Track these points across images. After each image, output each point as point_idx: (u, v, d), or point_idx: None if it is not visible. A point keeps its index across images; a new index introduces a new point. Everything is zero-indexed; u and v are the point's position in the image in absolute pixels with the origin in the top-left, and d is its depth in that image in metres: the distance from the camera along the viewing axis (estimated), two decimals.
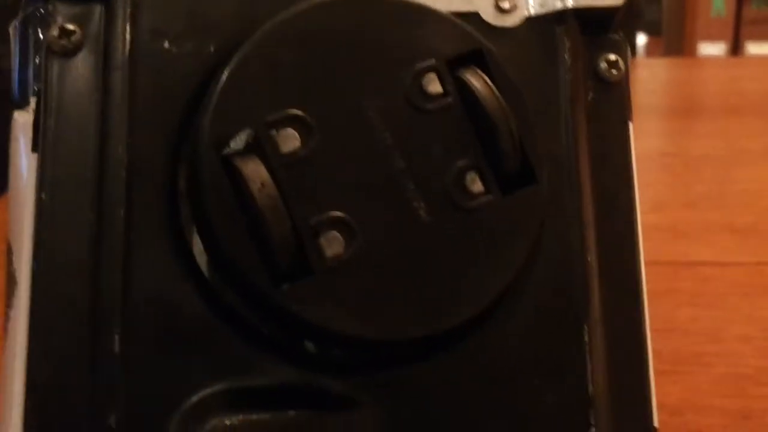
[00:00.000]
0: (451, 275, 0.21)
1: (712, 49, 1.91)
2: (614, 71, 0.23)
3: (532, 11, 0.23)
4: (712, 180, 0.64)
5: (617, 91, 0.24)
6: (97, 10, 0.21)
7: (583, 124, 0.23)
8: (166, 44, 0.21)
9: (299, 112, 0.20)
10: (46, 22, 0.21)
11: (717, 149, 0.70)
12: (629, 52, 0.24)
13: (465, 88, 0.21)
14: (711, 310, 0.46)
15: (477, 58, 0.21)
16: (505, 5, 0.23)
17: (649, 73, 0.98)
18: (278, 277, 0.20)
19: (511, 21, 0.23)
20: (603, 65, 0.23)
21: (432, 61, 0.21)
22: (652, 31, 1.97)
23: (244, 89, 0.20)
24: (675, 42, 1.96)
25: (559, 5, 0.23)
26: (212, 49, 0.21)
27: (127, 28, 0.21)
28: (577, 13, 0.23)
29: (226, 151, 0.20)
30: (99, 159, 0.20)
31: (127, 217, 0.20)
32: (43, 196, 0.20)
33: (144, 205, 0.20)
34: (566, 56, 0.23)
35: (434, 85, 0.21)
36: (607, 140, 0.23)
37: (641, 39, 1.89)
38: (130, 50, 0.21)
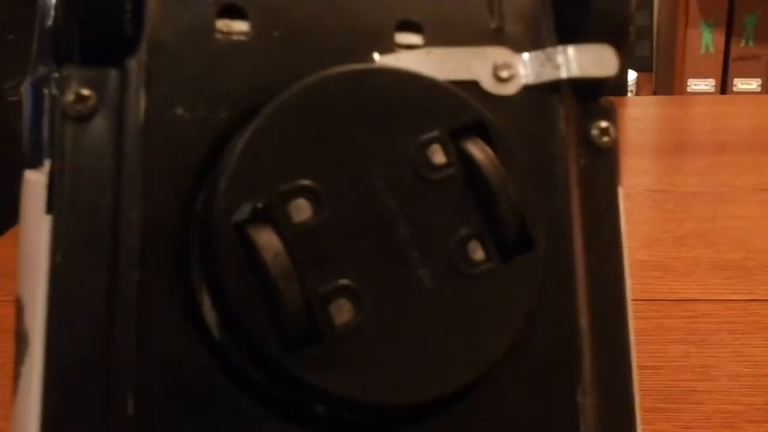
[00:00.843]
0: (454, 341, 0.21)
1: (701, 85, 1.92)
2: (605, 138, 0.24)
3: (529, 80, 0.23)
4: (702, 217, 0.64)
5: (608, 157, 0.24)
6: (113, 75, 0.21)
7: (576, 189, 0.23)
8: (180, 110, 0.21)
9: (310, 183, 0.21)
10: (61, 86, 0.21)
11: (707, 186, 0.71)
12: (618, 119, 0.25)
13: (467, 158, 0.22)
14: (701, 347, 0.47)
15: (478, 128, 0.22)
16: (504, 74, 0.23)
17: (639, 111, 0.99)
18: (289, 343, 0.20)
19: (509, 90, 0.23)
20: (595, 132, 0.24)
21: (436, 132, 0.22)
22: (643, 68, 1.99)
23: (257, 159, 0.21)
24: (665, 78, 1.99)
25: (554, 75, 0.24)
26: (224, 115, 0.22)
27: (141, 94, 0.21)
28: (572, 82, 0.24)
29: (239, 217, 0.20)
30: (113, 223, 0.21)
31: (140, 280, 0.20)
32: (57, 258, 0.21)
33: (157, 269, 0.21)
34: (561, 124, 0.24)
35: (438, 156, 0.22)
36: (598, 205, 0.24)
37: (631, 75, 1.91)
38: (144, 116, 0.21)
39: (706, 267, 0.56)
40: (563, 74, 0.23)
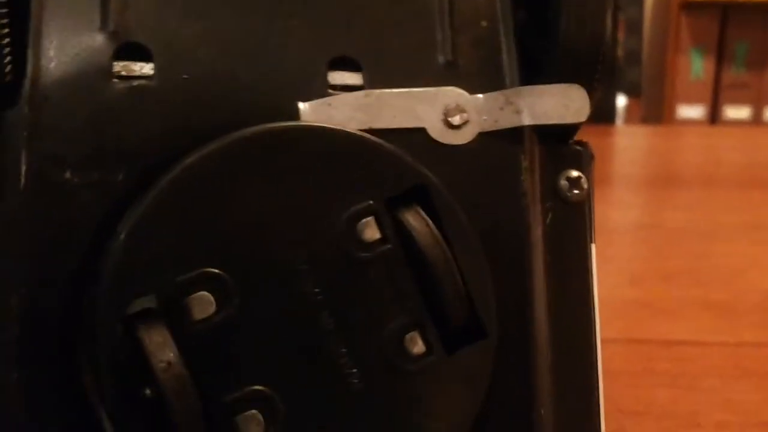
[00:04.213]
0: None
1: (691, 112, 1.92)
2: (576, 191, 0.21)
3: (486, 127, 0.20)
4: (690, 254, 0.64)
5: (579, 212, 0.21)
6: None
7: (539, 254, 0.21)
8: (68, 174, 0.18)
9: (216, 271, 0.17)
10: None
11: (695, 222, 0.70)
12: (592, 165, 0.22)
13: (405, 233, 0.19)
14: (689, 392, 0.46)
15: (420, 193, 0.19)
16: (455, 120, 0.20)
17: (627, 142, 0.98)
18: None
19: (461, 138, 0.20)
20: (563, 183, 0.21)
21: (369, 202, 0.19)
22: (632, 93, 1.99)
23: (151, 242, 0.17)
24: (654, 104, 1.98)
25: (515, 121, 0.20)
26: (121, 178, 0.18)
27: (22, 154, 0.18)
28: (535, 127, 0.21)
29: (130, 310, 0.17)
30: None
31: (19, 380, 0.18)
32: None
33: (40, 367, 0.18)
34: (522, 178, 0.20)
35: (371, 231, 0.18)
36: (566, 270, 0.21)
37: (621, 101, 1.91)
38: (25, 181, 0.18)
39: (694, 307, 0.55)
40: (525, 121, 0.20)
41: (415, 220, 0.19)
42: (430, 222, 0.19)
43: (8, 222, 0.18)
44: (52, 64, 0.18)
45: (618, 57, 1.81)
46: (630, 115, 1.99)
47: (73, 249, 0.18)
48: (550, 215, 0.21)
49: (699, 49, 1.92)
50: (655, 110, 1.98)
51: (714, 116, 1.93)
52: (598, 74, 0.21)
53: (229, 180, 0.18)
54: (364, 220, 0.18)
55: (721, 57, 1.92)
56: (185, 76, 0.19)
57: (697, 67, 1.93)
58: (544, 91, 0.20)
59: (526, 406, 0.20)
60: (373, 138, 0.19)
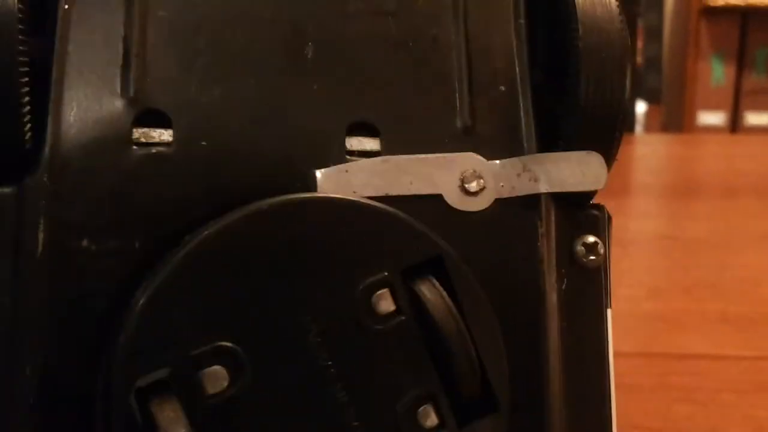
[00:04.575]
0: None
1: (711, 118, 1.91)
2: (592, 257, 0.21)
3: (503, 194, 0.20)
4: (709, 265, 0.63)
5: (595, 277, 0.21)
6: (8, 197, 0.18)
7: (554, 321, 0.20)
8: (85, 242, 0.18)
9: (229, 344, 0.17)
10: None
11: (715, 232, 0.69)
12: (608, 230, 0.21)
13: (420, 305, 0.18)
14: (706, 408, 0.45)
15: (435, 264, 0.19)
16: (472, 187, 0.20)
17: (648, 150, 0.98)
18: None
19: (478, 204, 0.20)
20: (580, 248, 0.21)
21: (384, 274, 0.18)
22: (652, 100, 1.98)
23: (165, 315, 0.17)
24: (675, 111, 1.97)
25: (532, 188, 0.20)
26: (138, 245, 0.18)
27: (41, 221, 0.18)
28: (552, 193, 0.20)
29: (144, 381, 0.17)
30: (5, 382, 0.18)
31: None
32: None
33: None
34: (539, 244, 0.20)
35: (386, 303, 0.18)
36: (581, 337, 0.21)
37: (641, 107, 1.90)
38: (42, 249, 0.18)
39: (712, 320, 0.54)
40: (542, 188, 0.20)
41: (430, 292, 0.18)
42: (445, 294, 0.19)
43: (26, 290, 0.18)
44: (72, 131, 0.18)
45: (638, 64, 1.81)
46: (650, 122, 1.98)
47: (90, 317, 0.18)
48: (565, 281, 0.21)
49: (719, 55, 1.91)
50: (675, 117, 1.97)
51: (735, 122, 1.92)
52: (616, 140, 0.20)
53: (245, 253, 0.18)
54: (378, 292, 0.18)
55: (742, 63, 1.90)
56: (203, 143, 0.19)
57: (717, 73, 1.92)
58: (562, 158, 0.20)
59: None
60: (388, 209, 0.19)
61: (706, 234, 0.69)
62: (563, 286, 0.21)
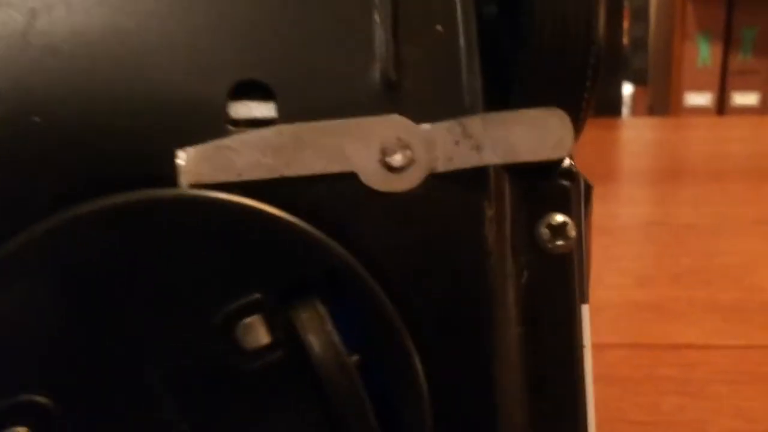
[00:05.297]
0: None
1: (698, 99, 1.91)
2: (560, 241, 0.16)
3: (437, 167, 0.15)
4: (697, 252, 0.62)
5: (564, 267, 0.16)
6: None
7: (512, 328, 0.16)
8: None
9: (38, 398, 0.13)
10: None
11: (702, 217, 0.69)
12: (587, 206, 0.17)
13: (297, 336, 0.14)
14: (696, 399, 0.44)
15: (327, 282, 0.14)
16: (396, 161, 0.15)
17: (634, 134, 0.97)
18: None
19: (404, 183, 0.15)
20: (544, 231, 0.16)
21: (254, 296, 0.14)
22: (638, 81, 1.98)
23: None
24: (661, 92, 1.97)
25: (474, 160, 0.15)
26: None
27: None
28: (506, 165, 0.15)
29: None
30: None
31: None
32: None
33: None
34: (485, 231, 0.15)
35: (255, 335, 0.14)
36: (548, 345, 0.16)
37: (627, 89, 1.89)
38: None
39: (701, 308, 0.54)
40: (488, 159, 0.15)
41: (310, 322, 0.14)
42: (330, 326, 0.14)
43: None
44: None
45: (623, 45, 1.79)
46: (637, 104, 1.98)
47: None
48: (526, 274, 0.16)
49: (705, 35, 1.90)
50: (661, 98, 1.97)
51: (722, 103, 1.91)
52: (586, 93, 0.16)
53: (68, 273, 0.13)
54: (246, 320, 0.14)
55: (728, 43, 1.90)
56: (36, 119, 0.14)
57: (704, 53, 1.91)
58: (514, 119, 0.15)
59: None
60: (265, 208, 0.14)
61: (694, 219, 0.69)
62: (522, 280, 0.16)
